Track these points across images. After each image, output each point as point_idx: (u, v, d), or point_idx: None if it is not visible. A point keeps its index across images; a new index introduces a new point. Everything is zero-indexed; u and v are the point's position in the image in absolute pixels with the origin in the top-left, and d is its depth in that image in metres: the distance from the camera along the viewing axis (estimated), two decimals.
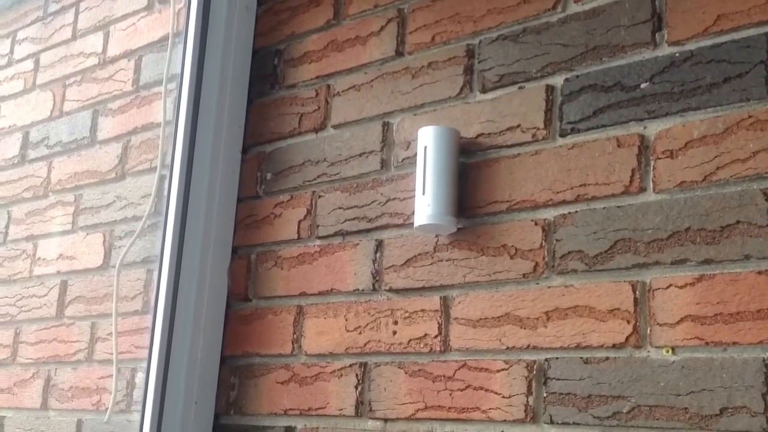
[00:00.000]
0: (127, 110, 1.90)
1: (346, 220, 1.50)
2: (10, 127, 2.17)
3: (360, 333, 1.43)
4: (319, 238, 1.53)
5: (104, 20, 2.02)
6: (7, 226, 2.09)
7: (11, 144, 2.15)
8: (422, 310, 1.36)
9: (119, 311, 1.75)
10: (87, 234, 1.90)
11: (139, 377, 1.70)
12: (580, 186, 1.24)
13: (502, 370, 1.26)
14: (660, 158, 1.18)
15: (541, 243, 1.26)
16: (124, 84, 1.92)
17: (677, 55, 1.19)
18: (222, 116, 1.66)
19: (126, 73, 1.93)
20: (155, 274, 1.62)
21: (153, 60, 1.88)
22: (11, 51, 2.24)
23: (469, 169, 1.36)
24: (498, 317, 1.28)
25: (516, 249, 1.29)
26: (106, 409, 1.71)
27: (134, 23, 1.94)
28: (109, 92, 1.95)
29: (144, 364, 1.58)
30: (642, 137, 1.20)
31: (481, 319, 1.30)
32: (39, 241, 2.01)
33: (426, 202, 1.33)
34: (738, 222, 1.10)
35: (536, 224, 1.28)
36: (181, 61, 1.67)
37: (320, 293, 1.50)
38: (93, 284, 1.86)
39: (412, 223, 1.37)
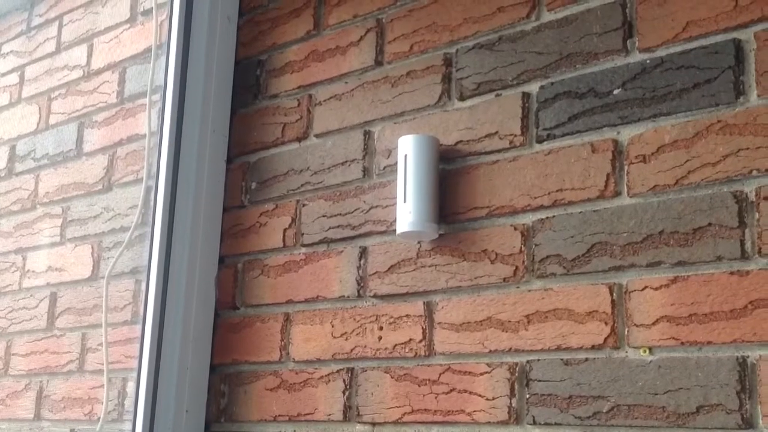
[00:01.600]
0: (113, 122, 1.92)
1: (330, 228, 1.52)
2: None
3: (346, 339, 1.45)
4: (304, 246, 1.55)
5: (87, 33, 2.03)
6: None
7: None
8: (407, 316, 1.39)
9: (109, 322, 1.77)
10: (75, 246, 1.92)
11: (130, 387, 1.72)
12: (557, 191, 1.27)
13: (485, 373, 1.29)
14: (633, 163, 1.21)
15: (521, 248, 1.29)
16: (109, 96, 1.94)
17: (648, 61, 1.22)
18: (206, 127, 1.68)
19: (110, 86, 1.94)
20: (143, 284, 1.64)
21: (137, 72, 1.90)
22: None
23: (449, 176, 1.38)
24: (480, 321, 1.31)
25: (496, 254, 1.31)
26: (98, 418, 1.73)
27: (117, 36, 1.96)
28: (94, 104, 1.97)
29: (134, 374, 1.60)
30: (616, 142, 1.23)
31: (463, 323, 1.32)
32: (28, 253, 2.02)
33: (408, 210, 1.35)
34: (710, 224, 1.13)
35: (515, 229, 1.30)
36: (164, 73, 1.69)
37: (306, 300, 1.52)
38: (82, 295, 1.87)
39: (395, 230, 1.40)
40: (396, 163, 1.43)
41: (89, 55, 2.02)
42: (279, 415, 1.51)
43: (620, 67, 1.25)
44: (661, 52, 1.21)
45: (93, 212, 1.90)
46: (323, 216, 1.54)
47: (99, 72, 1.98)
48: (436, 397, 1.33)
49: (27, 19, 2.20)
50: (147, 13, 1.92)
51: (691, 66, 1.18)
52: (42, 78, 2.12)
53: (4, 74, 2.22)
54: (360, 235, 1.48)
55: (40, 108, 2.10)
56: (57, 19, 2.12)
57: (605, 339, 1.19)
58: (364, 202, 1.49)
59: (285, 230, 1.59)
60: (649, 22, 1.23)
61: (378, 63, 1.53)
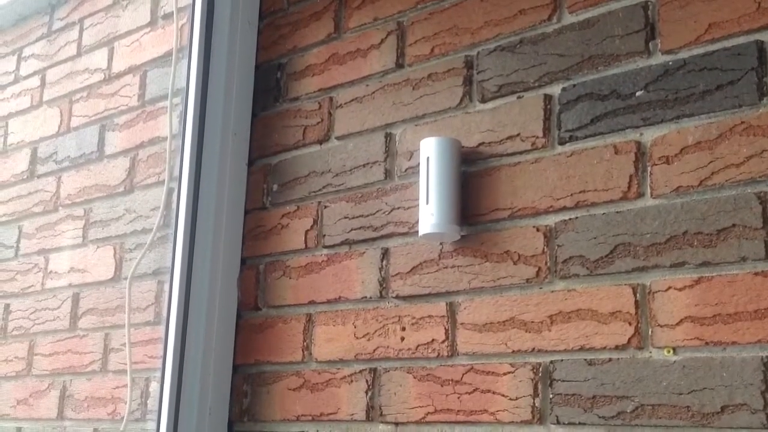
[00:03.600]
0: (134, 125, 1.94)
1: (352, 230, 1.53)
2: (18, 143, 2.21)
3: (369, 339, 1.47)
4: (326, 247, 1.57)
5: (108, 36, 2.05)
6: (18, 241, 2.13)
7: (20, 160, 2.19)
8: (429, 316, 1.40)
9: (131, 322, 1.78)
10: (98, 247, 1.94)
11: (153, 387, 1.74)
12: (580, 192, 1.28)
13: (509, 373, 1.30)
14: (656, 164, 1.22)
15: (543, 249, 1.30)
16: (130, 99, 1.96)
17: (670, 63, 1.23)
18: (227, 129, 1.70)
19: (131, 89, 1.96)
20: (166, 285, 1.65)
21: (158, 75, 1.92)
22: (17, 68, 2.28)
23: (471, 178, 1.39)
24: (503, 321, 1.32)
25: (519, 255, 1.32)
26: (122, 418, 1.75)
27: (138, 39, 1.98)
28: (116, 107, 1.99)
29: (157, 374, 1.62)
30: (638, 144, 1.24)
31: (486, 323, 1.33)
32: (50, 254, 2.05)
33: (430, 212, 1.37)
34: (734, 225, 1.14)
35: (538, 230, 1.31)
36: (185, 76, 1.71)
37: (329, 301, 1.54)
38: (105, 296, 1.89)
39: (417, 231, 1.41)
40: (417, 165, 1.44)
41: (110, 59, 2.04)
42: (302, 415, 1.52)
43: (643, 68, 1.25)
44: (684, 54, 1.22)
45: (115, 214, 1.92)
46: (345, 217, 1.55)
47: (120, 75, 2.00)
48: (459, 397, 1.34)
49: (48, 23, 2.22)
50: (167, 17, 1.93)
51: (714, 67, 1.19)
52: (63, 81, 2.14)
53: (25, 77, 2.25)
54: (382, 237, 1.49)
55: (61, 111, 2.12)
56: (78, 22, 2.14)
57: (629, 339, 1.20)
58: (386, 203, 1.50)
59: (307, 232, 1.60)
60: (671, 24, 1.24)
61: (399, 65, 1.54)
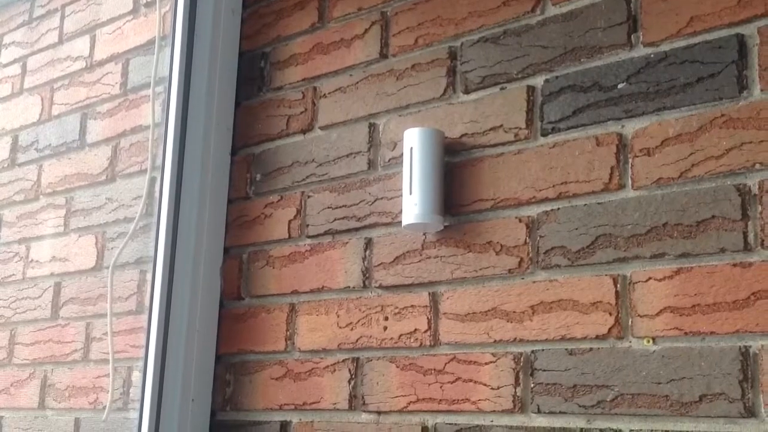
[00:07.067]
0: (116, 113, 1.93)
1: (335, 220, 1.54)
2: None
3: (352, 329, 1.47)
4: (310, 237, 1.57)
5: (90, 24, 2.04)
6: None
7: (1, 148, 2.17)
8: (412, 306, 1.41)
9: (114, 311, 1.78)
10: (79, 236, 1.93)
11: (135, 376, 1.74)
12: (562, 184, 1.29)
13: (490, 362, 1.31)
14: (638, 156, 1.23)
15: (525, 239, 1.31)
16: (112, 87, 1.95)
17: (652, 56, 1.24)
18: (211, 118, 1.70)
19: (113, 77, 1.95)
20: (149, 274, 1.65)
21: (140, 63, 1.91)
22: None
23: (454, 169, 1.40)
24: (485, 311, 1.33)
25: (501, 245, 1.33)
26: (104, 407, 1.75)
27: (120, 27, 1.97)
28: (97, 96, 1.98)
29: (140, 363, 1.62)
30: (620, 136, 1.25)
31: (468, 313, 1.34)
32: (31, 243, 2.03)
33: (413, 202, 1.37)
34: (713, 217, 1.15)
35: (520, 221, 1.32)
36: (168, 65, 1.70)
37: (312, 291, 1.54)
38: (87, 285, 1.89)
39: (400, 222, 1.41)
40: (401, 156, 1.45)
41: (92, 47, 2.02)
42: (285, 404, 1.53)
43: (625, 61, 1.26)
44: (666, 47, 1.23)
45: (97, 203, 1.91)
46: (328, 207, 1.55)
47: (102, 63, 1.99)
48: (441, 386, 1.35)
49: (29, 10, 2.20)
50: (150, 4, 1.92)
51: (695, 60, 1.20)
52: (44, 69, 2.12)
53: (6, 65, 2.23)
54: (365, 227, 1.49)
55: (42, 99, 2.11)
56: (59, 10, 2.12)
57: (609, 329, 1.21)
58: (369, 194, 1.50)
59: (290, 221, 1.60)
60: (653, 16, 1.24)
61: (383, 56, 1.54)
